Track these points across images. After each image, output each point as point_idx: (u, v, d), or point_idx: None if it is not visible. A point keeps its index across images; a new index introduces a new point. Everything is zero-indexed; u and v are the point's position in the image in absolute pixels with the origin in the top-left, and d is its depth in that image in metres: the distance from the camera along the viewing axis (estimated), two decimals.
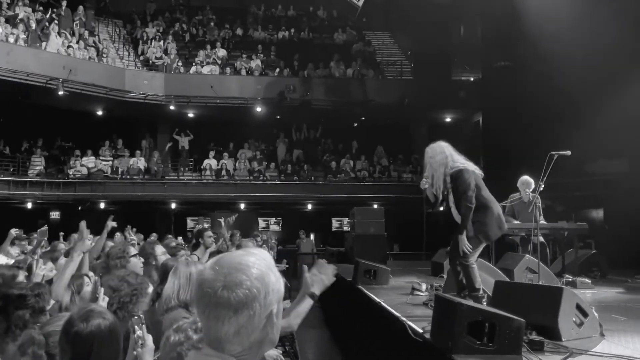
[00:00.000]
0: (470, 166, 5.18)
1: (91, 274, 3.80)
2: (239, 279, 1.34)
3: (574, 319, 4.07)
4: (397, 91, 18.56)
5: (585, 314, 4.13)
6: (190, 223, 19.82)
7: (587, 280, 7.33)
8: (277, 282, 1.41)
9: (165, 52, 19.68)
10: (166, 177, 18.63)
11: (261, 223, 20.54)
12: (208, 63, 19.50)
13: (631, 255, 9.72)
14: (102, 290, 3.10)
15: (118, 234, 8.67)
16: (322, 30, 22.64)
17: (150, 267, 5.05)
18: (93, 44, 18.28)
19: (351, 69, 19.79)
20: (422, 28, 18.78)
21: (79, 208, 18.14)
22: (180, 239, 9.36)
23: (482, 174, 5.23)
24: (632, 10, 10.92)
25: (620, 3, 10.82)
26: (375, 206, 15.36)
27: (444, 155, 5.17)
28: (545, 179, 6.42)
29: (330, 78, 19.37)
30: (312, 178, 19.06)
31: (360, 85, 19.12)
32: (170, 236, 8.68)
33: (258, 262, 1.39)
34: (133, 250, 4.79)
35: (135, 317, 2.52)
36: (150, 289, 3.48)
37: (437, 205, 5.27)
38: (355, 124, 20.20)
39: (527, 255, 7.09)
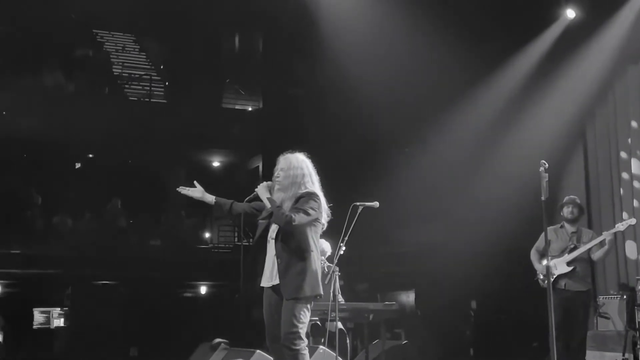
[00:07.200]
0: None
1: None
2: None
3: None
4: (143, 118, 18.58)
5: None
6: None
7: None
8: None
9: None
10: None
11: None
12: None
13: (448, 347, 10.94)
14: None
15: None
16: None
17: None
18: None
19: (73, 82, 19.32)
20: (180, 34, 19.20)
21: None
22: None
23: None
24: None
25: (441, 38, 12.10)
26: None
27: (301, 172, 5.68)
28: (347, 238, 6.97)
29: (42, 93, 18.67)
30: (5, 244, 17.87)
31: (87, 106, 18.70)
32: None
33: None
34: None
35: None
36: None
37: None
38: (79, 165, 19.56)
39: (321, 347, 7.56)
